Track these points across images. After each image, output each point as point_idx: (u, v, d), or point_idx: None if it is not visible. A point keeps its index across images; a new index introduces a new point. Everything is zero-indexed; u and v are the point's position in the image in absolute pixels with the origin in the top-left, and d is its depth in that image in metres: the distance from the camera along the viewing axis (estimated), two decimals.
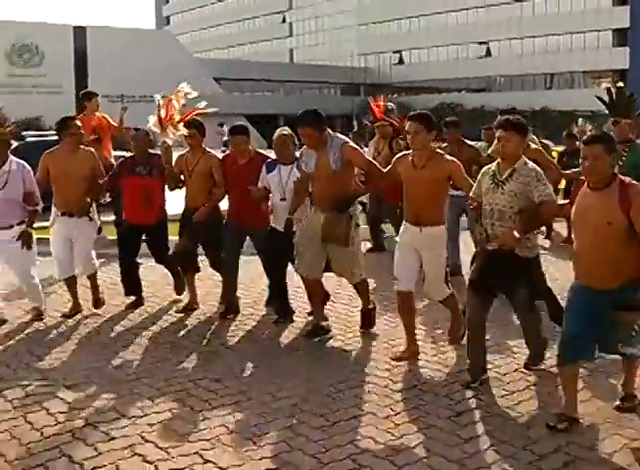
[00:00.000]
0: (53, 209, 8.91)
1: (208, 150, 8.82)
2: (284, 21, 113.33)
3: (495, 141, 6.36)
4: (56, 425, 5.50)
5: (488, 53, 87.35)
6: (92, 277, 8.97)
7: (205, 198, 8.64)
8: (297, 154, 8.10)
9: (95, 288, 8.99)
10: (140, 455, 4.96)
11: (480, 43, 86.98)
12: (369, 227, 12.25)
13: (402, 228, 7.23)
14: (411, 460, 4.88)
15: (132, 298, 9.12)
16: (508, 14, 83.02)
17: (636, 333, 5.12)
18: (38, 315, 8.52)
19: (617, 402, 5.70)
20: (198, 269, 9.13)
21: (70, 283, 8.91)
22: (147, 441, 5.19)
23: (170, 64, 70.93)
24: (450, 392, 6.14)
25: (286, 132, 8.34)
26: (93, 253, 9.01)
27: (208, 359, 7.07)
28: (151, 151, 8.98)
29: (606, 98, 8.91)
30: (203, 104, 8.84)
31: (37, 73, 72.24)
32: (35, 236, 8.29)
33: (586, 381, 6.22)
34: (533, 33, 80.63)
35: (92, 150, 8.98)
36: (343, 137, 7.54)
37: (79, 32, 75.62)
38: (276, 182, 8.19)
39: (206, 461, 4.87)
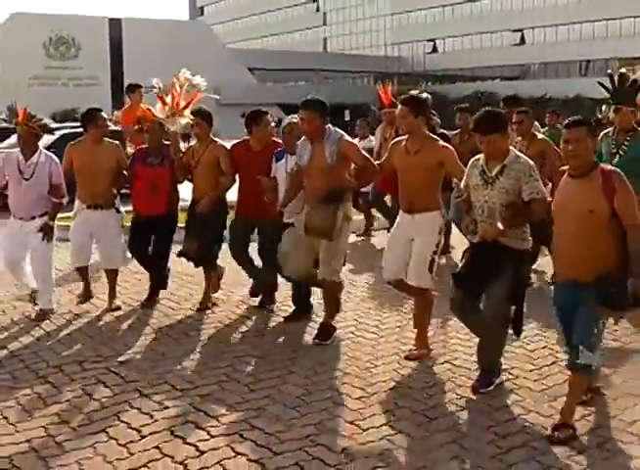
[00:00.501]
0: (76, 201, 8.80)
1: (216, 139, 8.53)
2: (317, 10, 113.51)
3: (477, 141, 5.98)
4: (113, 396, 5.90)
5: (523, 40, 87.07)
6: (112, 272, 8.80)
7: (212, 189, 8.35)
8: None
9: (112, 283, 8.78)
10: (192, 423, 5.35)
11: (515, 30, 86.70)
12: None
13: (398, 218, 7.02)
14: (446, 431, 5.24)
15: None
16: (542, 1, 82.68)
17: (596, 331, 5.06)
18: (42, 317, 8.22)
19: (549, 432, 5.12)
20: (212, 266, 8.73)
21: (83, 271, 8.88)
22: (198, 410, 5.58)
23: (205, 54, 71.36)
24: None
25: (294, 120, 7.89)
26: (122, 247, 8.82)
27: (252, 340, 7.42)
28: (165, 142, 8.70)
29: (609, 87, 8.34)
30: (203, 85, 8.70)
31: (74, 66, 73.13)
32: (58, 223, 8.56)
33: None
34: (568, 20, 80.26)
35: (116, 142, 8.84)
36: (341, 132, 7.22)
37: (115, 24, 76.48)
38: (282, 172, 7.91)
39: (254, 428, 5.24)
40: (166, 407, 5.63)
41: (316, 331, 7.37)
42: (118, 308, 8.50)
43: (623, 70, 8.40)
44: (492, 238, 5.69)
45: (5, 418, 5.47)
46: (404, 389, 6.03)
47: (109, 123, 9.13)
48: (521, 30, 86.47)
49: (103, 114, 8.77)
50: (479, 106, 7.26)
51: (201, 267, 8.68)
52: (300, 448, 4.88)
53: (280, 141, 8.20)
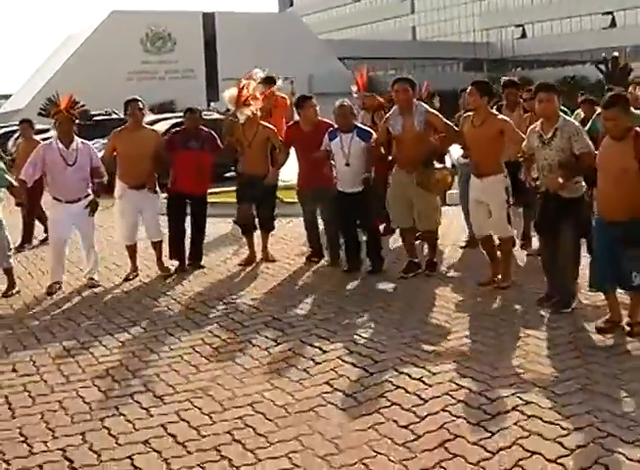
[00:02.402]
0: (118, 184, 9.43)
1: (262, 122, 9.71)
2: None
3: (537, 103, 7.17)
4: (147, 368, 6.22)
5: (613, 23, 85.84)
6: (158, 243, 9.58)
7: (264, 164, 9.63)
8: (358, 122, 9.20)
9: (160, 254, 9.60)
10: (210, 396, 5.53)
11: (605, 13, 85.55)
12: None
13: (470, 183, 8.31)
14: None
15: (176, 262, 9.67)
16: None
17: None
18: (91, 284, 9.08)
19: (627, 328, 6.35)
20: (256, 229, 9.93)
21: (133, 250, 9.59)
22: (218, 384, 5.76)
23: (296, 45, 72.82)
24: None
25: (345, 103, 9.06)
26: (160, 221, 9.63)
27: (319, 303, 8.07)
28: (202, 127, 9.59)
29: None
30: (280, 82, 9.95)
31: (170, 59, 74.97)
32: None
33: None
34: None
35: (156, 130, 9.78)
36: (426, 105, 8.64)
37: (208, 18, 78.08)
38: (339, 149, 8.88)
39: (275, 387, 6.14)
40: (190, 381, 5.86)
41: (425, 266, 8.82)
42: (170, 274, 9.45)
43: (616, 53, 9.27)
44: (555, 189, 6.85)
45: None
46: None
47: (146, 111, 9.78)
48: (611, 13, 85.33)
49: (139, 103, 9.39)
50: (571, 91, 8.22)
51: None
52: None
53: (330, 122, 9.32)
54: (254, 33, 73.18)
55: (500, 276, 8.17)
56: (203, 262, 9.77)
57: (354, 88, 11.15)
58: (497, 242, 8.28)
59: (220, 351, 6.52)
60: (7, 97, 72.63)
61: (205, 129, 9.59)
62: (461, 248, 10.11)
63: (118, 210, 9.59)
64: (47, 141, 9.40)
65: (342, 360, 6.07)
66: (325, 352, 6.32)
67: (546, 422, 4.72)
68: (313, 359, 6.14)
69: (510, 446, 4.40)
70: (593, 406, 4.90)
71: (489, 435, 4.57)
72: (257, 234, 10.04)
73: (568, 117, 7.23)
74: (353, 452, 4.45)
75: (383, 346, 6.37)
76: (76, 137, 9.04)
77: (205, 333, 7.03)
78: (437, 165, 8.46)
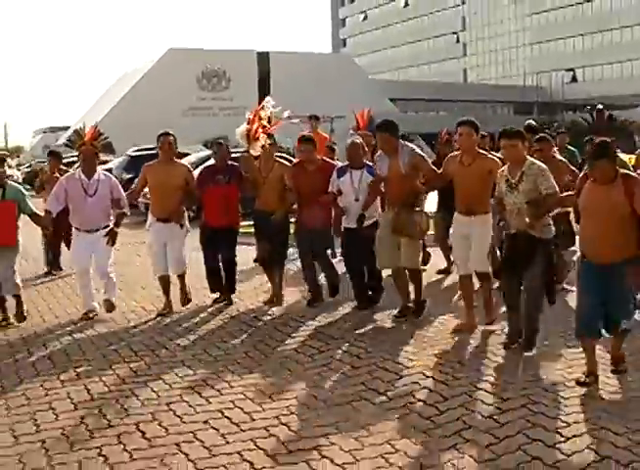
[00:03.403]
0: (149, 216, 9.59)
1: (278, 158, 9.73)
2: (457, 41, 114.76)
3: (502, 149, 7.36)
4: (215, 362, 7.43)
5: None
6: (182, 276, 9.60)
7: (278, 202, 9.42)
8: (367, 160, 9.19)
9: (183, 286, 9.63)
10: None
11: None
12: None
13: (454, 220, 8.29)
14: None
15: (217, 294, 9.85)
16: None
17: (632, 307, 6.31)
18: (110, 308, 9.24)
19: (612, 368, 6.52)
20: (282, 265, 9.84)
21: (165, 282, 9.55)
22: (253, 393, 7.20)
23: (347, 85, 73.70)
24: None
25: (357, 141, 9.27)
26: (185, 255, 9.65)
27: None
28: (231, 162, 9.66)
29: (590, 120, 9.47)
30: (285, 114, 9.72)
31: (224, 97, 76.08)
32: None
33: None
34: None
35: (186, 164, 9.83)
36: (412, 146, 8.59)
37: (263, 58, 79.52)
38: (349, 185, 9.04)
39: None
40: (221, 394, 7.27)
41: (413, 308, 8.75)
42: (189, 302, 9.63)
43: (600, 106, 9.65)
44: (525, 228, 7.03)
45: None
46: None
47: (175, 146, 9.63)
48: None
49: (171, 137, 9.42)
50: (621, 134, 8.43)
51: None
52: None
53: (332, 161, 9.72)
54: (307, 73, 74.31)
55: (485, 313, 8.24)
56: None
57: (352, 126, 11.30)
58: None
59: (270, 357, 7.37)
60: (66, 129, 74.42)
61: (233, 164, 9.72)
62: (438, 272, 10.80)
63: (148, 241, 9.82)
64: (71, 173, 9.67)
65: (377, 366, 6.89)
66: (360, 358, 7.16)
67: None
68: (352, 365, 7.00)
69: None
70: None
71: None
72: None
73: (533, 160, 7.37)
74: (380, 436, 5.26)
75: (412, 354, 7.20)
76: (99, 169, 9.32)
77: (255, 341, 7.90)
78: (417, 209, 8.47)
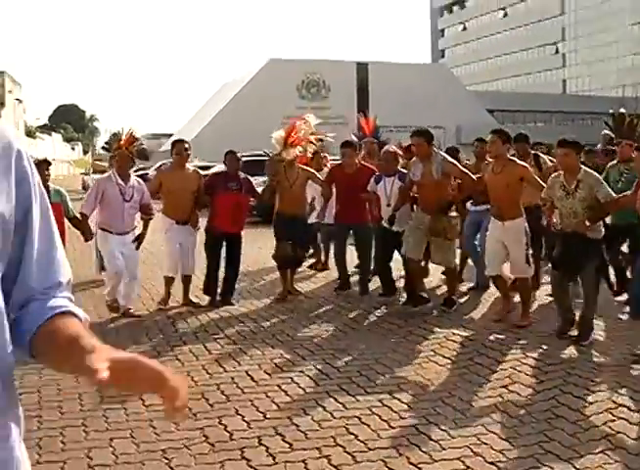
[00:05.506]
0: (164, 217, 9.85)
1: (301, 165, 10.27)
2: (557, 52, 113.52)
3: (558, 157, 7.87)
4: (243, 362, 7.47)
5: None
6: (188, 277, 9.93)
7: (304, 205, 10.33)
8: (401, 167, 9.84)
9: (187, 286, 9.97)
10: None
11: None
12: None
13: (490, 225, 8.74)
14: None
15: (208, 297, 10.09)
16: None
17: None
18: (129, 314, 9.31)
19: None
20: (299, 265, 10.80)
21: (170, 281, 9.91)
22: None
23: (445, 96, 73.56)
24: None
25: (391, 149, 9.99)
26: (196, 258, 9.98)
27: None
28: (241, 174, 9.97)
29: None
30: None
31: (323, 106, 76.01)
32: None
33: None
34: None
35: (198, 169, 10.08)
36: (444, 154, 9.24)
37: (362, 68, 79.75)
38: (382, 191, 9.79)
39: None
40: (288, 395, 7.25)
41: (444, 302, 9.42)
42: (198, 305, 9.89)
43: (622, 110, 10.11)
44: (582, 231, 7.47)
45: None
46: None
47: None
48: None
49: (186, 144, 9.83)
50: None
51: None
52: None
53: (370, 166, 10.39)
54: (406, 83, 73.92)
55: (521, 314, 8.61)
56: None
57: (357, 132, 11.74)
58: (510, 281, 8.93)
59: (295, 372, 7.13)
60: (169, 136, 76.12)
61: (245, 176, 10.05)
62: (469, 289, 10.71)
63: (165, 242, 10.16)
64: (104, 176, 9.81)
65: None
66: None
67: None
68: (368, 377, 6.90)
69: None
70: None
71: None
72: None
73: (588, 170, 7.79)
74: (396, 440, 5.33)
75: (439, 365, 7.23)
76: (132, 174, 9.50)
77: (279, 353, 7.73)
78: (452, 214, 9.17)
